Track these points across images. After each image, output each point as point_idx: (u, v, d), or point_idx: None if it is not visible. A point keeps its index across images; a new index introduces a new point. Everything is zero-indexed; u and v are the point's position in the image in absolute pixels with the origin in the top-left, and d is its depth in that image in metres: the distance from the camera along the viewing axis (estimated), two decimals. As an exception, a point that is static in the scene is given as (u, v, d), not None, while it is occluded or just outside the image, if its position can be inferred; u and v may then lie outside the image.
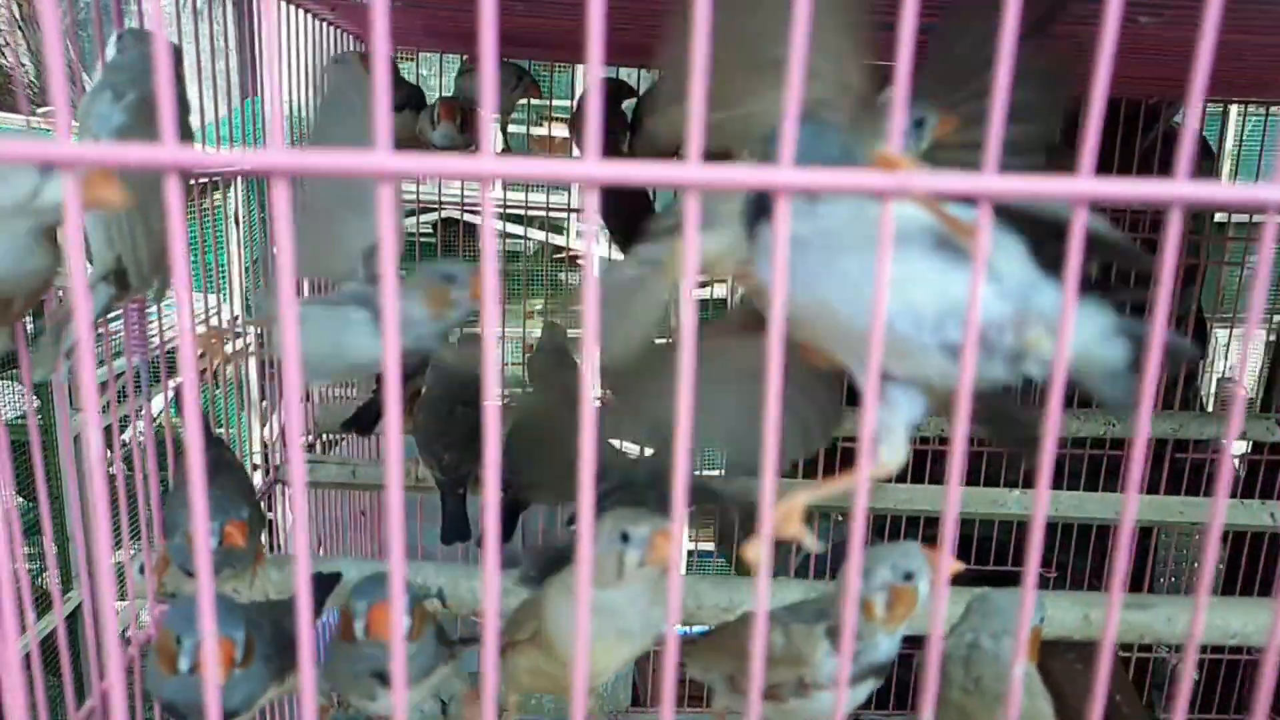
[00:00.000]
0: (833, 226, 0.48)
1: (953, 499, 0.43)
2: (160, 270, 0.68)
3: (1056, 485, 1.42)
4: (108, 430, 2.30)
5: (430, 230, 2.96)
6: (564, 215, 3.97)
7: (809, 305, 0.48)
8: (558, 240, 4.06)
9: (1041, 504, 0.44)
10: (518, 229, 3.76)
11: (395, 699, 0.40)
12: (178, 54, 0.67)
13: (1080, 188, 0.37)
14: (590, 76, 0.36)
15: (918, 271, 0.46)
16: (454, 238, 3.11)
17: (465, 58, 1.53)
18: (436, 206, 1.84)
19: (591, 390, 0.40)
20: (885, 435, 0.48)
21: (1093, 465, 1.62)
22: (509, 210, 2.70)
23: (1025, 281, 0.45)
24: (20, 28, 3.92)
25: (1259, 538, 1.61)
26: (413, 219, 1.97)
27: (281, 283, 0.35)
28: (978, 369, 0.47)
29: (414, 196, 1.71)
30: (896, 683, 1.56)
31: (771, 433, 0.40)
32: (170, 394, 0.97)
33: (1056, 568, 1.68)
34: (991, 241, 0.45)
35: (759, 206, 0.52)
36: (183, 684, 0.60)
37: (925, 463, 1.25)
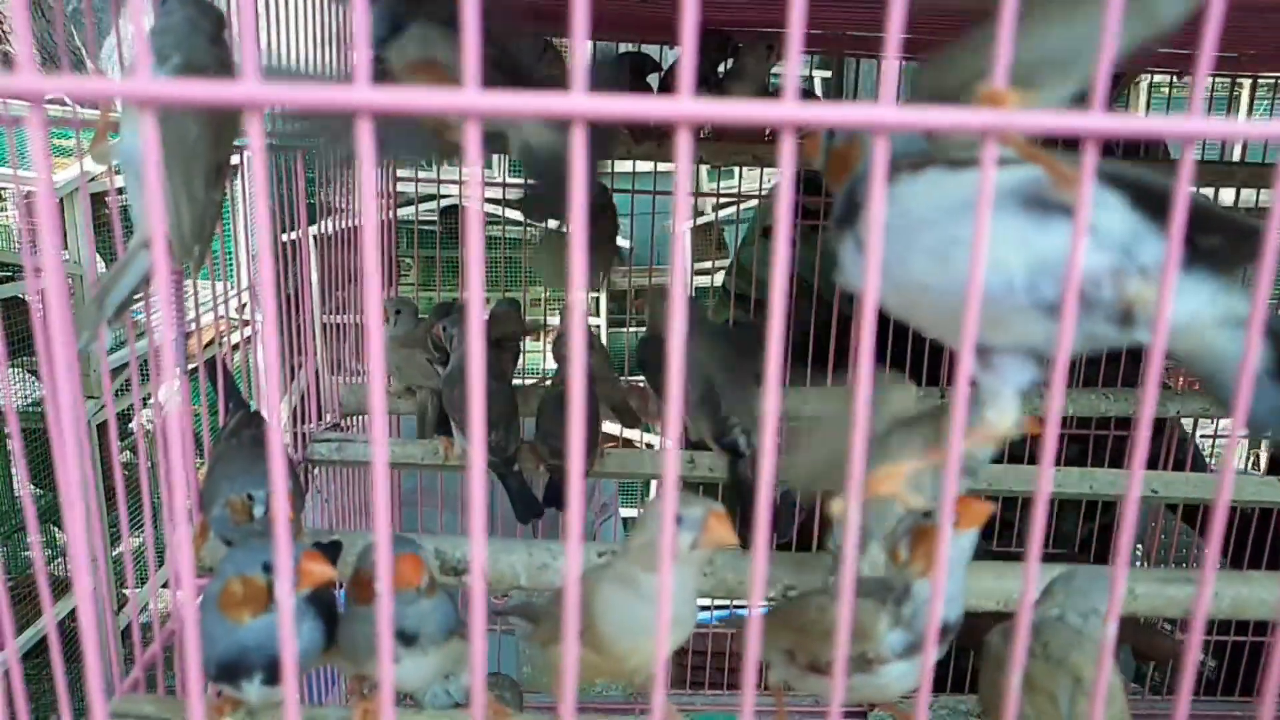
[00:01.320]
0: (911, 206, 0.48)
1: (1046, 473, 0.42)
2: (201, 239, 0.67)
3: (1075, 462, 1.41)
4: (120, 417, 2.29)
5: (433, 219, 2.93)
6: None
7: (899, 288, 0.47)
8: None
9: (1136, 483, 0.43)
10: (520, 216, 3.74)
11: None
12: (222, 19, 0.65)
13: (1192, 127, 0.36)
14: (685, 22, 0.35)
15: (1006, 230, 0.45)
16: (456, 225, 3.09)
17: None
18: (438, 195, 1.82)
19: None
20: (992, 399, 0.47)
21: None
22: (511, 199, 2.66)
23: (1125, 233, 0.44)
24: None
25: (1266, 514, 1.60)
26: (412, 207, 1.95)
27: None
28: (1082, 329, 0.46)
29: (426, 186, 1.69)
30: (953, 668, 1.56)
31: (863, 383, 0.39)
32: (178, 381, 0.95)
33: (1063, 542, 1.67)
34: (1068, 194, 0.44)
35: (845, 214, 0.52)
36: (263, 626, 0.58)
37: None
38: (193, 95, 0.33)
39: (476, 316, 0.40)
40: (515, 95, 0.35)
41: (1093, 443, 1.59)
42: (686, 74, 0.35)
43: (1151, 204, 0.46)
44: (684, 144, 0.35)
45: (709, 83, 1.35)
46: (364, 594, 0.62)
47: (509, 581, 0.85)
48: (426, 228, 2.40)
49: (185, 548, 0.38)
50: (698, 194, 1.75)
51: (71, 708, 0.62)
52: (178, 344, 0.77)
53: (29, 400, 2.28)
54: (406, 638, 0.62)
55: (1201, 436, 1.87)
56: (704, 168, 2.79)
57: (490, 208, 2.96)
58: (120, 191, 0.69)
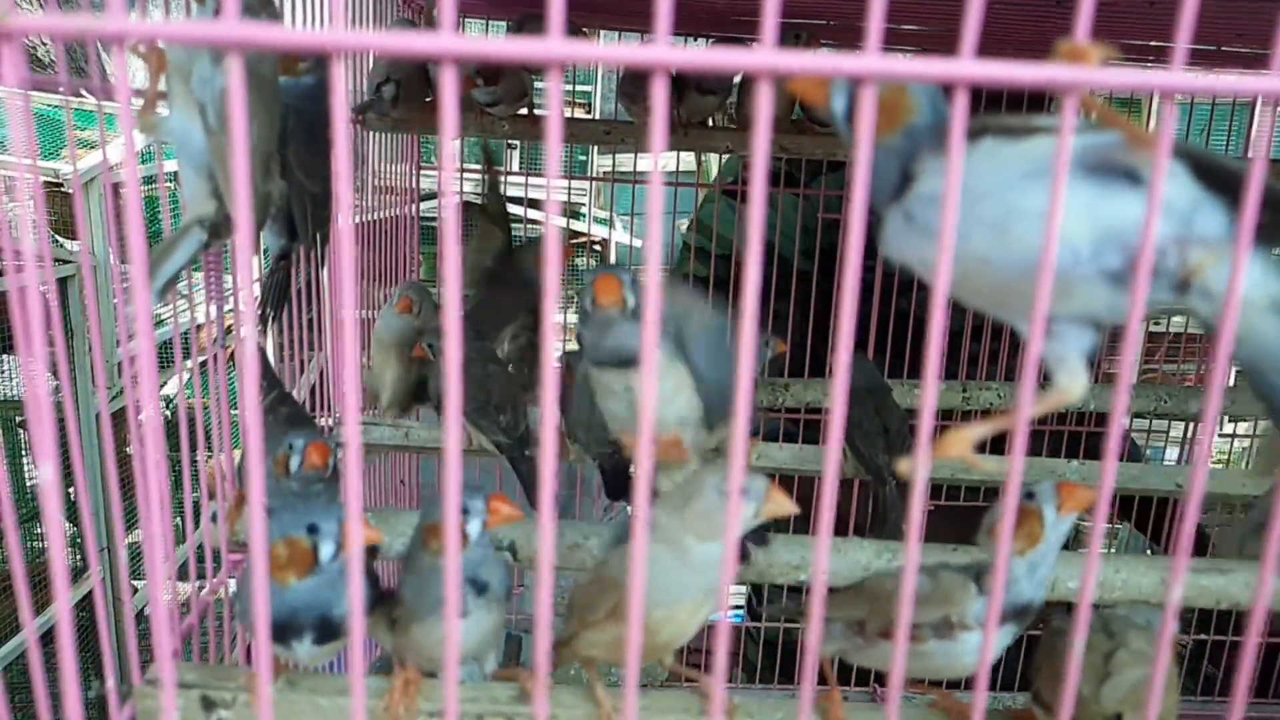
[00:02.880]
0: (968, 178, 0.48)
1: (1109, 467, 0.42)
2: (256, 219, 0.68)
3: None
4: (122, 412, 2.30)
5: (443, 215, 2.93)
6: (583, 201, 3.96)
7: (954, 261, 0.47)
8: (576, 226, 4.05)
9: (1200, 476, 0.43)
10: (537, 214, 3.74)
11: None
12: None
13: (1274, 85, 0.36)
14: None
15: (1071, 198, 0.44)
16: (470, 224, 3.11)
17: (512, 21, 1.52)
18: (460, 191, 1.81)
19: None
20: (1059, 365, 0.47)
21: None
22: (530, 196, 2.66)
23: (1188, 201, 0.44)
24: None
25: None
26: (427, 203, 1.94)
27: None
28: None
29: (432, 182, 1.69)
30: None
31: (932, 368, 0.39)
32: (186, 375, 0.94)
33: None
34: (1144, 158, 0.43)
35: (894, 184, 0.51)
36: (309, 587, 0.59)
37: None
38: (277, 40, 0.34)
39: (550, 315, 0.40)
40: (593, 45, 0.35)
41: (1067, 438, 1.61)
42: (770, 26, 0.35)
43: (1210, 176, 0.46)
44: (765, 98, 0.35)
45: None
46: (433, 543, 0.62)
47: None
48: (433, 224, 2.39)
49: (258, 487, 0.38)
50: (699, 186, 1.76)
51: (112, 676, 0.62)
52: (218, 317, 0.77)
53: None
54: (479, 586, 0.62)
55: (1220, 436, 1.87)
56: (712, 160, 2.79)
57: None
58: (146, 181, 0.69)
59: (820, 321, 1.54)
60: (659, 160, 0.36)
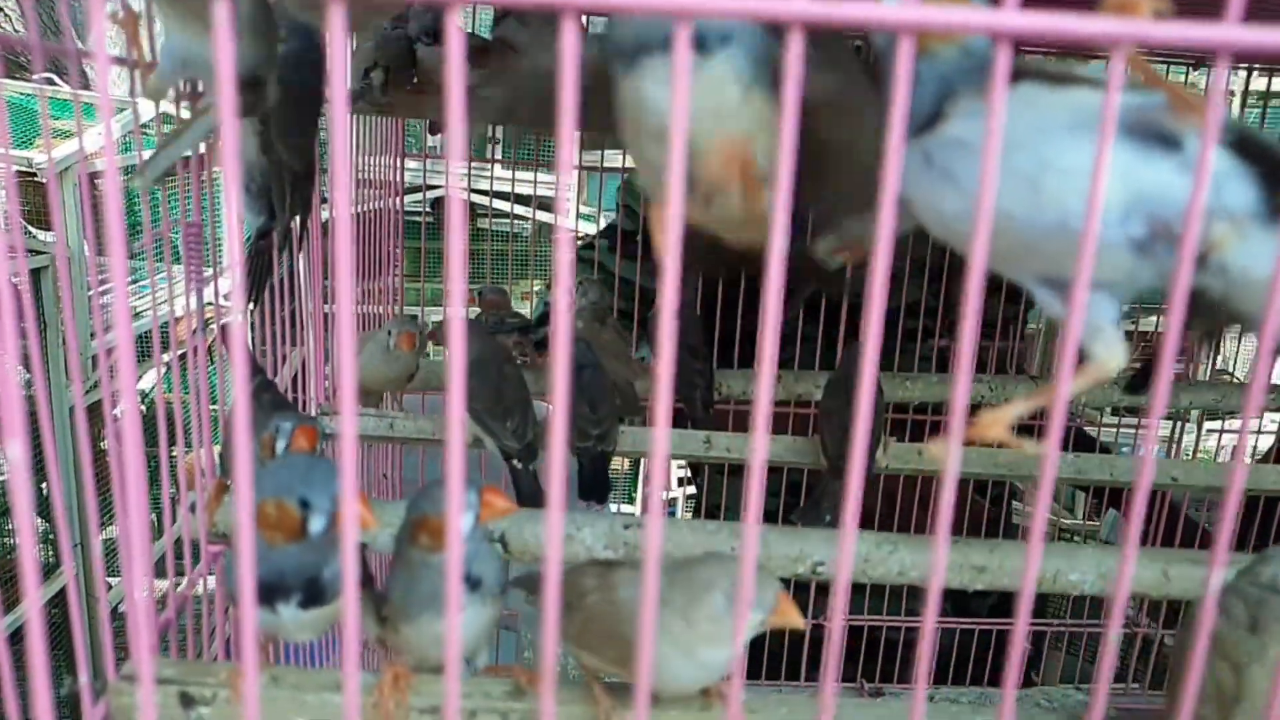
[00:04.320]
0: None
1: (1149, 460, 0.40)
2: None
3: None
4: (97, 406, 2.25)
5: (428, 209, 2.90)
6: (568, 195, 3.92)
7: (976, 215, 0.44)
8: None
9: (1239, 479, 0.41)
10: (523, 210, 3.70)
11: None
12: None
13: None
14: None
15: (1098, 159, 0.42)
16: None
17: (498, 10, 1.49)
18: (431, 186, 1.77)
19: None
20: (1094, 335, 0.44)
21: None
22: (515, 192, 2.62)
23: (1221, 170, 0.42)
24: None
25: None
26: (407, 197, 1.90)
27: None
28: (1159, 266, 0.43)
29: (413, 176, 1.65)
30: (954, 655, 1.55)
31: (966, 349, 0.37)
32: (164, 369, 0.91)
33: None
34: (1188, 123, 0.41)
35: (921, 121, 0.48)
36: (300, 549, 0.56)
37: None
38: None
39: (563, 309, 0.38)
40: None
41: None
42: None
43: (1244, 149, 0.44)
44: (796, 47, 0.33)
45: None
46: (424, 538, 0.59)
47: (532, 552, 0.82)
48: (418, 219, 2.36)
49: (244, 460, 0.35)
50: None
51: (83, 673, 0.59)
52: (198, 307, 0.74)
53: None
54: (472, 581, 0.59)
55: (1209, 431, 1.86)
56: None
57: (479, 199, 2.92)
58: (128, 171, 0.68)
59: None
60: (683, 121, 0.33)
